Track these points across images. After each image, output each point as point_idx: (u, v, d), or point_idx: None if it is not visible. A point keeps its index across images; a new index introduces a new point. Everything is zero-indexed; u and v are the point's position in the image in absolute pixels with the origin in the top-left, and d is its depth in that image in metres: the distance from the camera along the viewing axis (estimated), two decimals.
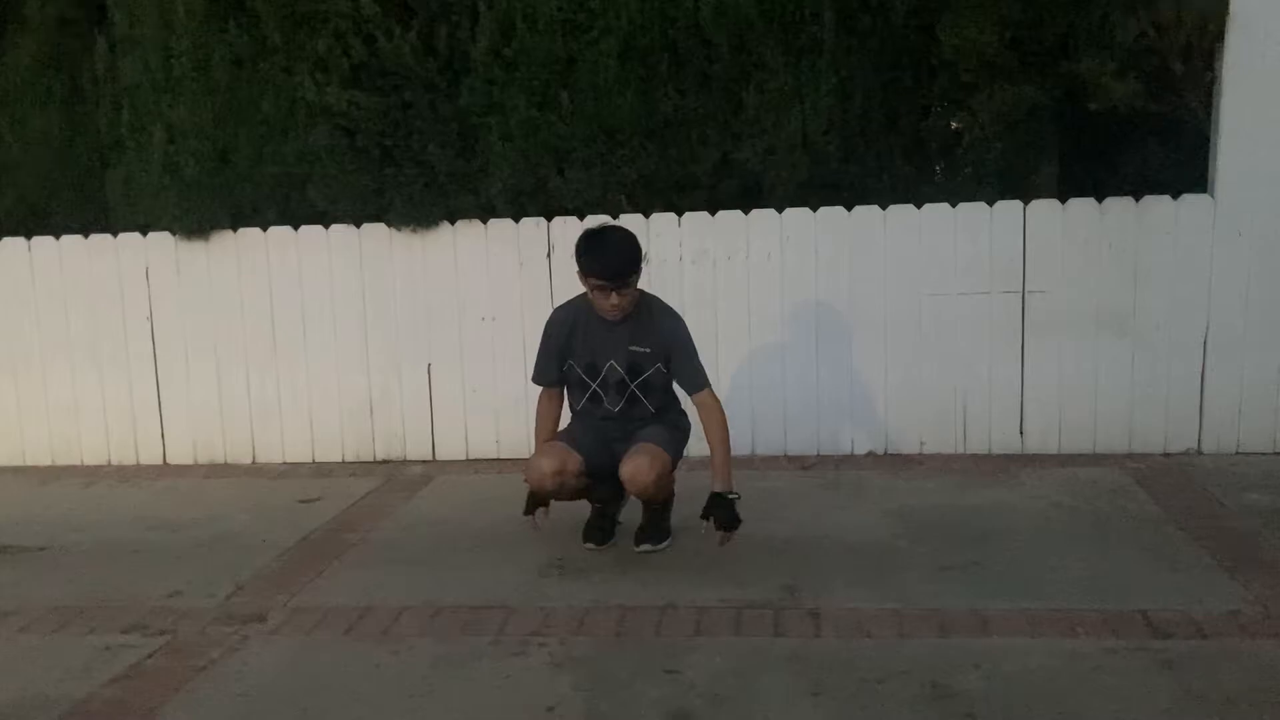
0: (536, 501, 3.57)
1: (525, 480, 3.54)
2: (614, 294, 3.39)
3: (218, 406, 5.18)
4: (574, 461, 3.49)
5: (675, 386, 3.63)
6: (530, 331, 4.92)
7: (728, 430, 3.46)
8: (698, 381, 3.52)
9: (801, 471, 4.55)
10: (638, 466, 3.40)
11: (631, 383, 3.54)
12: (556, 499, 3.58)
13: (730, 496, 3.39)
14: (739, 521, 3.40)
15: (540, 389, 3.72)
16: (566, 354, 3.59)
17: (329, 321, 5.07)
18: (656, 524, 3.67)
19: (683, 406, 3.72)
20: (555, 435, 3.65)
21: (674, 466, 3.57)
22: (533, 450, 3.64)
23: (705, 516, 3.40)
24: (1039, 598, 3.14)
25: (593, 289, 3.42)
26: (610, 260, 3.39)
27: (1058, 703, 2.55)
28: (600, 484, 3.62)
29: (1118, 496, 4.12)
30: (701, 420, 3.52)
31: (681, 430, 3.69)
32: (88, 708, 2.71)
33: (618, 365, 3.52)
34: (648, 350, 3.51)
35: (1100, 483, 4.28)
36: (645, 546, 3.63)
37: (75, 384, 5.26)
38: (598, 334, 3.51)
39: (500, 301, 4.95)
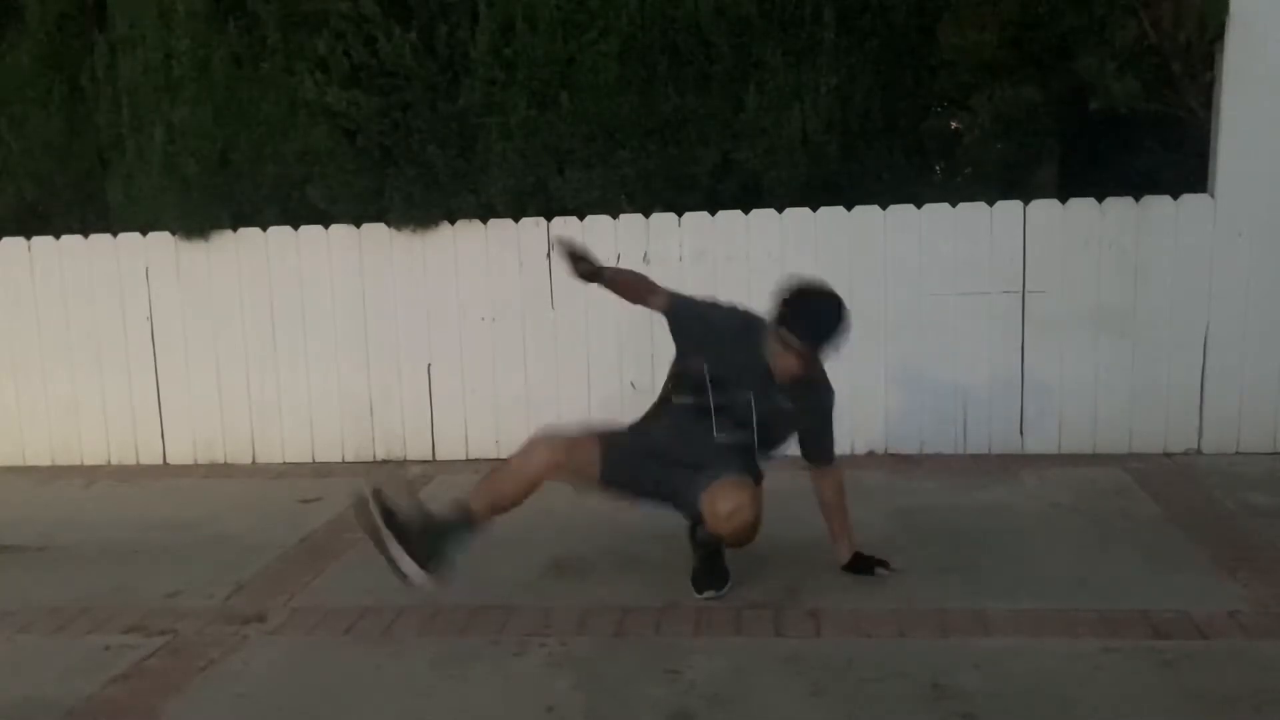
0: None
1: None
2: (798, 358, 3.08)
3: (218, 406, 5.18)
4: (588, 464, 3.14)
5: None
6: (530, 332, 4.94)
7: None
8: (830, 455, 3.33)
9: (802, 471, 4.54)
10: (739, 505, 3.03)
11: (756, 429, 3.19)
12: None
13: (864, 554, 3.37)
14: (880, 563, 3.37)
15: (664, 297, 3.26)
16: (709, 347, 3.21)
17: (329, 321, 5.07)
18: (717, 566, 3.34)
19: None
20: (604, 427, 3.28)
21: None
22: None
23: (864, 572, 3.35)
24: (1039, 598, 3.14)
25: (781, 340, 3.08)
26: (817, 327, 3.07)
27: (1058, 703, 2.55)
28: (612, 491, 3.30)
29: (1118, 496, 4.12)
30: (823, 488, 3.35)
31: (760, 481, 3.32)
32: (88, 708, 2.71)
33: (755, 405, 3.16)
34: (790, 408, 3.20)
35: (1100, 483, 4.28)
36: (709, 593, 3.25)
37: (75, 384, 5.26)
38: (754, 364, 3.15)
39: (500, 301, 4.95)
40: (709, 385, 3.18)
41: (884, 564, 3.36)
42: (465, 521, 3.10)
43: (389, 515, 3.03)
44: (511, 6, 4.72)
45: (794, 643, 2.93)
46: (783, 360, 3.10)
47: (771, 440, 3.27)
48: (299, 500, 4.51)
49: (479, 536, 3.14)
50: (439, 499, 4.47)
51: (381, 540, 3.01)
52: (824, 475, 3.35)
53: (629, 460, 3.21)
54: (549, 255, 4.88)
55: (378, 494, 3.06)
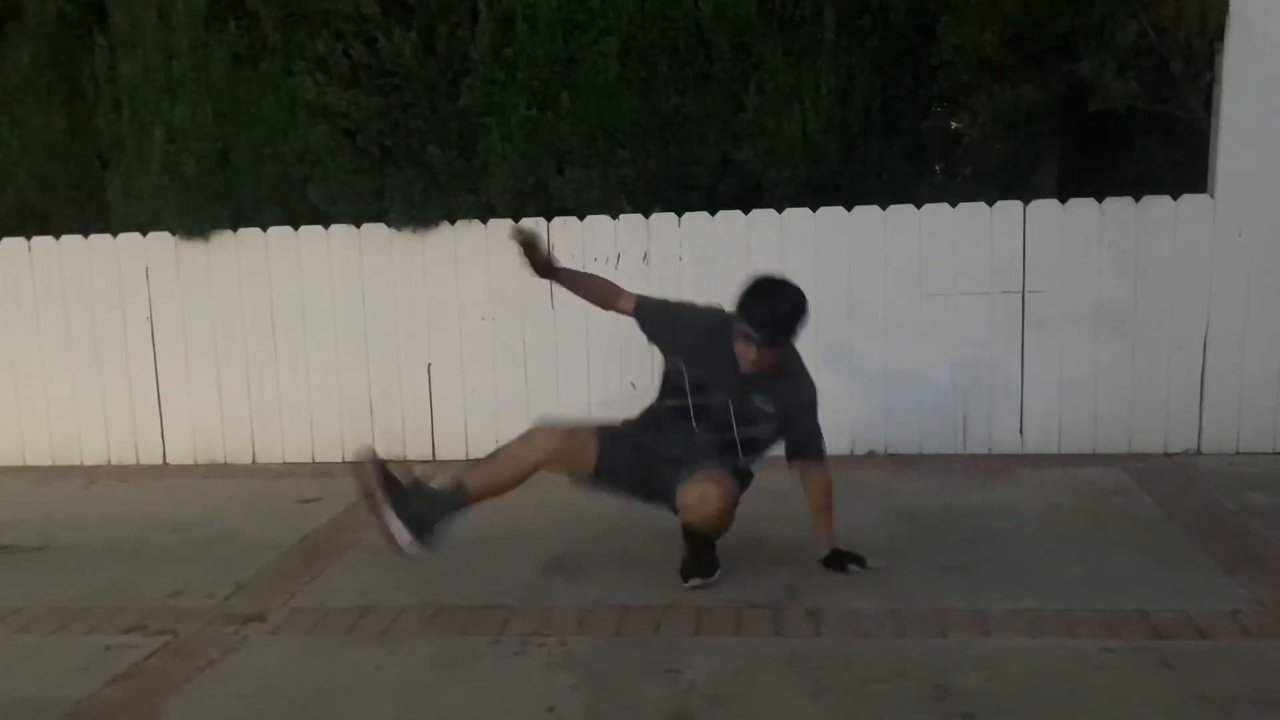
0: None
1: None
2: (757, 349, 3.08)
3: (218, 406, 5.18)
4: (585, 457, 3.18)
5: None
6: (530, 331, 4.94)
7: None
8: (818, 448, 3.30)
9: None
10: (704, 494, 3.11)
11: (737, 432, 3.22)
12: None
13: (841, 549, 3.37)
14: (856, 559, 3.36)
15: (631, 299, 3.28)
16: (684, 350, 3.25)
17: (329, 321, 5.07)
18: (704, 556, 3.36)
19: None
20: (601, 422, 3.30)
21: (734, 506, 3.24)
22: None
23: (839, 567, 3.34)
24: (1039, 598, 3.14)
25: (740, 334, 3.10)
26: (768, 315, 3.08)
27: (1057, 703, 2.55)
28: (606, 486, 3.33)
29: (1118, 496, 4.12)
30: (810, 487, 3.33)
31: (750, 477, 3.37)
32: (88, 708, 2.71)
33: (733, 407, 3.20)
34: (771, 410, 3.20)
35: (1100, 483, 4.28)
36: (695, 581, 3.30)
37: (75, 384, 5.26)
38: (729, 365, 3.15)
39: (500, 301, 4.95)
40: (688, 388, 3.23)
41: (859, 560, 3.36)
42: (460, 500, 3.15)
43: (388, 481, 3.07)
44: (511, 6, 4.73)
45: (794, 643, 2.93)
46: (744, 352, 3.11)
47: (755, 442, 3.27)
48: (299, 500, 4.51)
49: (467, 515, 3.19)
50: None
51: (377, 503, 3.06)
52: (810, 473, 3.33)
53: (622, 455, 3.25)
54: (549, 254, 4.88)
55: (378, 461, 3.11)
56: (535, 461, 3.16)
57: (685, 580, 3.33)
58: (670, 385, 3.31)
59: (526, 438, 3.18)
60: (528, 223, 3.21)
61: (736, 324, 3.11)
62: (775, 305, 3.11)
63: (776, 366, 3.17)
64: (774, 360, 3.15)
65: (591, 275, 3.43)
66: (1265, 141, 4.44)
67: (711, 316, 3.29)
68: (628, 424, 3.39)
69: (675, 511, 3.26)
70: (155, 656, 2.99)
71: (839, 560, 3.36)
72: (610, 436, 3.27)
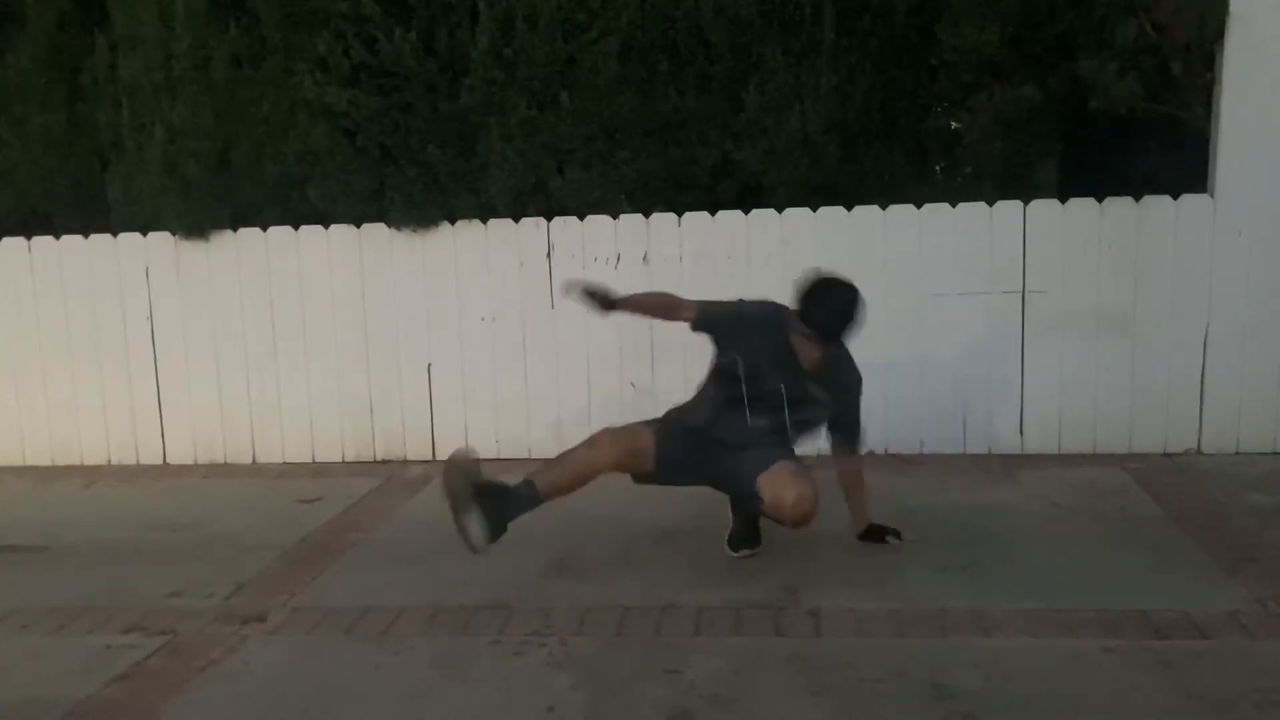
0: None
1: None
2: (816, 347, 3.25)
3: (218, 406, 5.18)
4: (645, 456, 3.30)
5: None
6: (530, 331, 4.94)
7: None
8: (854, 440, 3.53)
9: None
10: (802, 494, 3.18)
11: (789, 415, 3.34)
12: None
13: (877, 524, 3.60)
14: (893, 532, 3.60)
15: (692, 309, 3.39)
16: (742, 343, 3.35)
17: (329, 321, 5.07)
18: (754, 529, 3.59)
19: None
20: (656, 419, 3.44)
21: None
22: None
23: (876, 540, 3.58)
24: (1039, 598, 3.14)
25: (800, 333, 3.25)
26: (827, 316, 3.23)
27: (1058, 703, 2.55)
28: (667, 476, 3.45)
29: (1118, 496, 4.12)
30: (846, 475, 3.55)
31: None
32: (88, 708, 2.71)
33: (786, 393, 3.31)
34: (823, 398, 3.37)
35: (1100, 483, 4.28)
36: (745, 551, 3.56)
37: (75, 384, 5.26)
38: (785, 354, 3.30)
39: (500, 301, 4.95)
40: (743, 378, 3.33)
41: (896, 533, 3.59)
42: (533, 499, 3.30)
43: (477, 483, 3.23)
44: (511, 6, 4.73)
45: (794, 643, 2.93)
46: (803, 348, 3.28)
47: (805, 424, 3.42)
48: (299, 500, 4.51)
49: (534, 513, 3.31)
50: (440, 498, 4.50)
51: (461, 504, 3.20)
52: (849, 459, 3.54)
53: (680, 449, 3.36)
54: (549, 255, 4.88)
55: (469, 460, 3.27)
56: (601, 466, 3.30)
57: (735, 550, 3.56)
58: (724, 374, 3.40)
59: (593, 443, 3.30)
60: (574, 280, 3.42)
61: (796, 323, 3.25)
62: (834, 306, 3.26)
63: (831, 358, 3.35)
64: (831, 354, 3.33)
65: (650, 295, 3.58)
66: (1265, 141, 4.44)
67: (767, 311, 3.44)
68: (680, 411, 3.52)
69: (744, 497, 3.39)
70: (155, 656, 2.99)
71: (878, 533, 3.59)
72: (666, 433, 3.38)
